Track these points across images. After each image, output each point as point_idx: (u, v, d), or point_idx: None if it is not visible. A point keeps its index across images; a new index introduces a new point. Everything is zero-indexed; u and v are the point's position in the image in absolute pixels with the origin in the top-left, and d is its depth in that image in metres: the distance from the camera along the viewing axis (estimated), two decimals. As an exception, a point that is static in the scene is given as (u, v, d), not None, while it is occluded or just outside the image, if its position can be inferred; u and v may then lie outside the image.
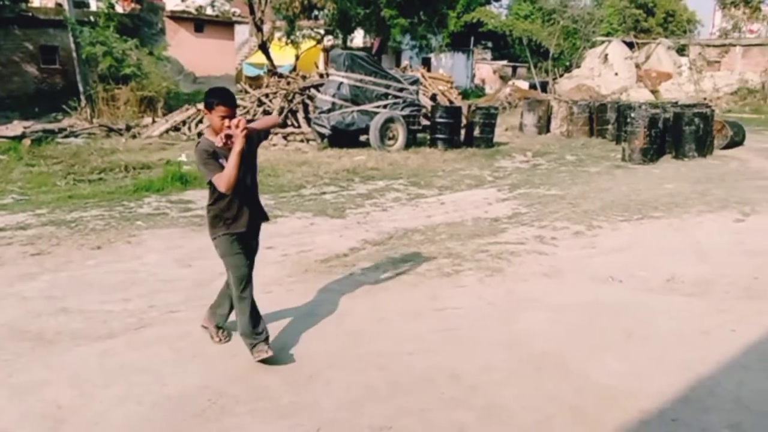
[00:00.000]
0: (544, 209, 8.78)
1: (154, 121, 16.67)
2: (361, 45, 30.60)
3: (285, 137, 14.46)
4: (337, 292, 5.44)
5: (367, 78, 13.64)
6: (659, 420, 3.52)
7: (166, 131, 15.66)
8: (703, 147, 14.13)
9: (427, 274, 5.91)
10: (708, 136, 14.34)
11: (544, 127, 17.50)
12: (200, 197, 9.08)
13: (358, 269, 6.05)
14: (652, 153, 13.36)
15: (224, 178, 3.78)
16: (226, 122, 3.75)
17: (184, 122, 15.97)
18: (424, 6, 24.47)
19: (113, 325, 4.69)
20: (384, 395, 3.76)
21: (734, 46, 30.92)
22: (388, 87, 13.91)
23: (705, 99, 25.20)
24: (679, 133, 13.94)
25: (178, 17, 30.85)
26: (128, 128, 15.89)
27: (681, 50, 33.07)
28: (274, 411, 3.57)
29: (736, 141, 15.68)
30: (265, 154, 12.89)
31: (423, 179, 10.82)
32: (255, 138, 4.02)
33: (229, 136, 3.74)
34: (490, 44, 44.16)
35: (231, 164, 3.76)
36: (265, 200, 8.86)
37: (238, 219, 4.07)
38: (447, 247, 6.76)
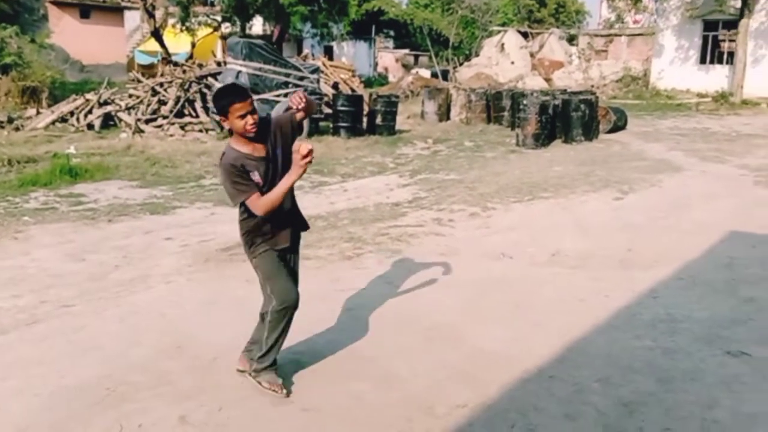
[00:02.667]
0: (442, 193, 9.13)
1: (38, 113, 15.85)
2: (260, 33, 30.16)
3: (182, 127, 14.17)
4: (239, 278, 5.51)
5: (266, 66, 13.59)
6: (538, 378, 3.86)
7: (53, 123, 14.92)
8: (590, 131, 15.03)
9: (329, 258, 6.08)
10: (593, 121, 15.26)
11: (444, 114, 18.00)
12: (92, 190, 8.83)
13: (261, 256, 6.12)
14: (544, 138, 14.07)
15: (265, 205, 3.29)
16: (249, 120, 3.24)
17: (72, 113, 15.28)
18: (324, -6, 24.58)
19: (3, 321, 4.58)
20: (287, 372, 3.90)
21: (619, 35, 32.81)
22: (288, 76, 13.92)
23: (592, 86, 26.61)
24: (567, 119, 14.75)
25: (61, 3, 29.31)
26: (10, 120, 15.01)
27: (571, 40, 34.73)
28: (176, 394, 3.63)
29: (619, 125, 16.73)
30: (161, 144, 12.61)
31: (326, 167, 10.96)
32: (290, 134, 3.48)
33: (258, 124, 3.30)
34: (392, 33, 44.71)
35: (278, 192, 3.27)
36: (162, 191, 8.86)
37: (280, 231, 3.53)
38: (349, 232, 6.95)
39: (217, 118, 3.53)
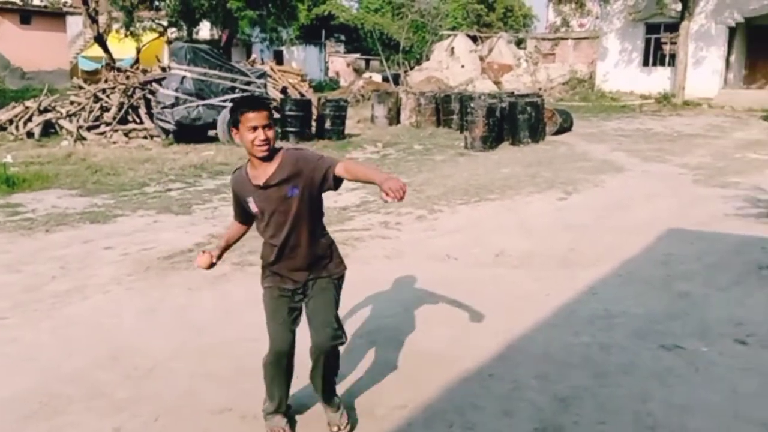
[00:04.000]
0: (389, 196, 9.15)
1: (-25, 122, 15.30)
2: (208, 37, 29.80)
3: (126, 134, 13.87)
4: (180, 286, 5.42)
5: (212, 71, 13.43)
6: (478, 377, 3.91)
7: (-10, 132, 14.43)
8: (536, 133, 15.31)
9: (272, 264, 6.02)
10: (540, 123, 15.56)
11: (394, 118, 18.09)
12: (30, 200, 8.57)
13: (204, 263, 6.03)
14: (491, 140, 14.27)
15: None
16: (260, 134, 2.85)
17: (10, 121, 14.80)
18: (272, -1, 24.40)
19: (-70, 337, 4.38)
20: (227, 380, 3.85)
21: (566, 39, 33.57)
22: (234, 80, 13.79)
23: (540, 89, 27.15)
24: (514, 121, 15.00)
25: (0, 8, 28.33)
26: (-55, 130, 14.47)
27: (519, 43, 35.36)
28: (110, 406, 3.55)
29: (565, 127, 17.11)
30: (104, 152, 12.32)
31: (273, 172, 10.87)
32: (318, 182, 2.95)
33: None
34: (342, 37, 44.70)
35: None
36: (103, 200, 8.65)
37: (287, 270, 3.13)
38: (294, 237, 6.90)
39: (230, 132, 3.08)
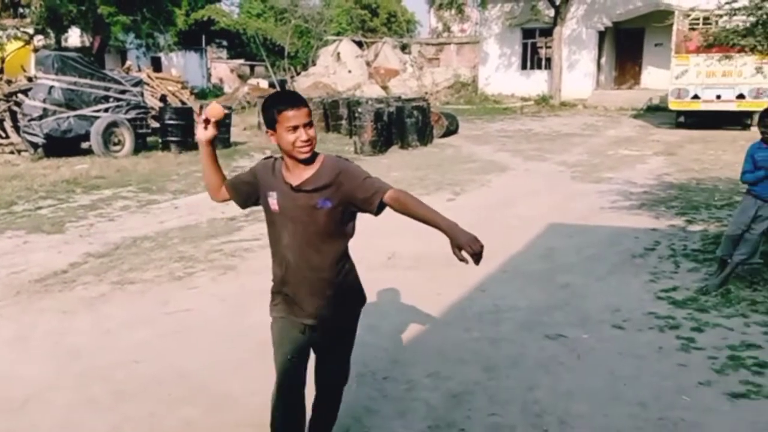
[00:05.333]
0: (279, 204, 8.99)
1: None
2: (78, 45, 28.16)
3: (-8, 150, 12.84)
4: (55, 310, 5.05)
5: (83, 80, 12.67)
6: (372, 380, 3.89)
7: None
8: (424, 137, 15.62)
9: (156, 280, 5.74)
10: (427, 126, 15.89)
11: (282, 124, 17.84)
12: None
13: (80, 285, 5.67)
14: (381, 144, 14.40)
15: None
16: (302, 134, 2.49)
17: None
18: (147, 3, 23.31)
19: None
20: (108, 405, 3.64)
21: (449, 44, 34.55)
22: (107, 89, 13.09)
23: (426, 93, 27.76)
24: (402, 125, 15.22)
25: None
26: None
27: (404, 48, 35.98)
28: (-27, 448, 3.22)
29: (451, 130, 17.57)
30: (-36, 169, 11.33)
31: (155, 184, 10.41)
32: (356, 202, 2.60)
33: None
34: (224, 43, 43.70)
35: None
36: (-37, 221, 7.91)
37: (299, 297, 2.70)
38: (179, 251, 6.63)
39: (266, 132, 2.61)
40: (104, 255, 6.54)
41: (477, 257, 2.39)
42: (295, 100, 2.53)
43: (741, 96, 16.83)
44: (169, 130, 13.78)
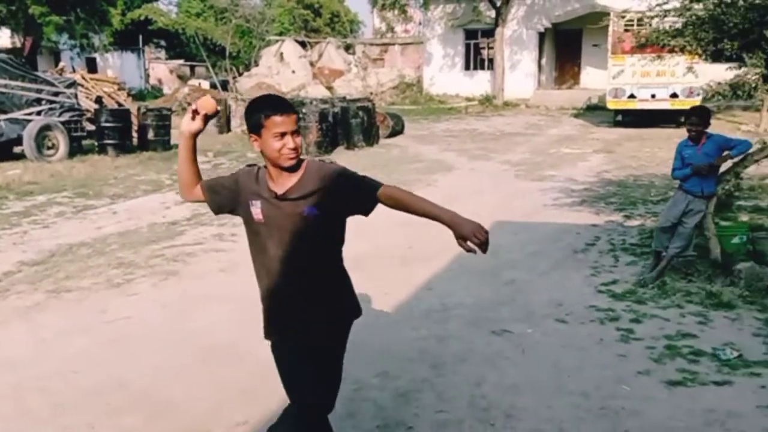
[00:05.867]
0: (223, 206, 8.84)
1: None
2: (9, 46, 27.07)
3: None
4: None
5: (13, 83, 12.16)
6: (319, 384, 3.84)
7: None
8: (370, 137, 15.63)
9: (93, 288, 5.56)
10: (373, 127, 15.91)
11: (224, 126, 17.59)
12: None
13: (14, 294, 5.45)
14: (326, 145, 14.33)
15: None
16: (289, 142, 2.36)
17: None
18: (81, 3, 22.51)
19: None
20: (46, 417, 3.52)
21: (393, 44, 34.65)
22: (40, 91, 12.61)
23: (371, 93, 27.79)
24: (347, 126, 15.19)
25: None
26: None
27: (348, 48, 35.92)
28: None
29: (397, 130, 17.64)
30: None
31: (92, 189, 10.08)
32: (346, 207, 2.49)
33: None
34: (163, 43, 42.66)
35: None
36: None
37: (284, 318, 2.56)
38: (118, 257, 6.43)
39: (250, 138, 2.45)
40: (39, 263, 6.29)
41: (484, 246, 2.27)
42: (284, 106, 2.39)
43: (674, 95, 17.46)
44: (105, 132, 13.37)
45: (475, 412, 3.47)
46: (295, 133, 2.38)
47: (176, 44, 40.81)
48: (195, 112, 2.51)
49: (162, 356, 4.24)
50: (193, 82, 30.75)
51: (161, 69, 40.65)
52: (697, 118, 5.36)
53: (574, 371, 3.90)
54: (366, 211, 2.47)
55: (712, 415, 3.35)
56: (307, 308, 2.50)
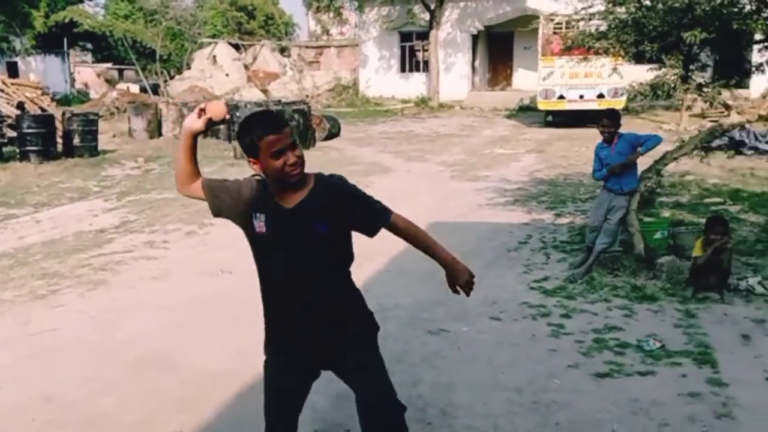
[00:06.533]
0: (155, 214, 8.63)
1: None
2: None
3: None
4: None
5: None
6: (257, 390, 3.67)
7: None
8: (306, 140, 15.52)
9: (16, 300, 5.33)
10: (309, 130, 15.81)
11: (155, 130, 17.12)
12: None
13: (-72, 309, 5.15)
14: (261, 148, 14.15)
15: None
16: (290, 157, 2.27)
17: None
18: (1, 5, 21.53)
19: None
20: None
21: (328, 47, 34.56)
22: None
23: (307, 96, 27.64)
24: (283, 128, 15.03)
25: None
26: None
27: (283, 51, 35.63)
28: None
29: (333, 133, 17.58)
30: None
31: (13, 198, 9.65)
32: (339, 229, 2.41)
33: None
34: (89, 46, 41.18)
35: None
36: None
37: (290, 332, 2.46)
38: (42, 268, 6.18)
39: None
40: (-44, 276, 5.98)
41: (469, 291, 2.47)
42: (275, 124, 2.30)
43: (601, 95, 18.06)
44: (27, 139, 12.79)
45: (413, 412, 3.48)
46: (293, 146, 2.29)
47: (104, 47, 39.41)
48: (201, 111, 2.43)
49: (91, 368, 4.10)
50: (122, 86, 29.82)
51: (88, 73, 39.19)
52: (608, 120, 5.64)
53: (508, 367, 3.99)
54: (372, 234, 2.47)
55: (637, 405, 3.49)
56: (314, 325, 2.41)
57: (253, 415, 3.52)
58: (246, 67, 33.02)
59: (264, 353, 2.53)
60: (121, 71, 38.82)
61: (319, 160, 13.80)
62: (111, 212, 8.79)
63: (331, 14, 31.69)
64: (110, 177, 11.76)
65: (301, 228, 2.33)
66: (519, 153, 14.31)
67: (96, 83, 37.21)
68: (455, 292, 2.46)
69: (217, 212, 2.53)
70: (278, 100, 19.97)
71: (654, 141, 5.62)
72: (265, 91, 30.37)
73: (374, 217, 2.44)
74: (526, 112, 23.61)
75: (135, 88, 28.29)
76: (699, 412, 3.38)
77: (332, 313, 2.42)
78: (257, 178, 2.42)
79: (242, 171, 12.35)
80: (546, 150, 14.58)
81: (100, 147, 14.22)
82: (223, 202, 2.47)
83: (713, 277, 5.17)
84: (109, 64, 39.76)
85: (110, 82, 35.30)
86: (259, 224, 2.35)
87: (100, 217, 8.52)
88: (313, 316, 2.39)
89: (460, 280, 2.44)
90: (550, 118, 19.58)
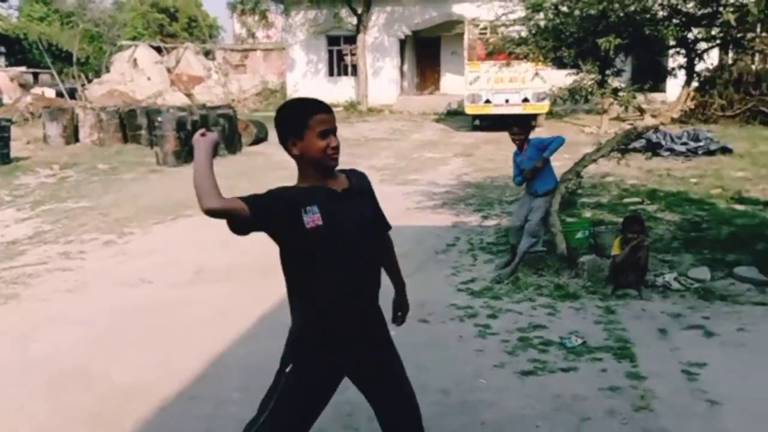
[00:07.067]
0: (71, 223, 8.26)
1: None
2: None
3: None
4: None
5: None
6: (178, 401, 3.68)
7: None
8: (232, 145, 15.25)
9: None
10: (235, 134, 15.53)
11: (71, 136, 16.40)
12: None
13: None
14: (185, 154, 13.77)
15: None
16: (333, 140, 2.25)
17: None
18: None
19: None
20: None
21: (254, 50, 34.07)
22: None
23: (233, 100, 27.17)
24: (208, 134, 14.70)
25: None
26: None
27: (208, 54, 34.91)
28: None
29: (260, 137, 17.32)
30: None
31: None
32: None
33: None
34: (2, 49, 39.16)
35: None
36: None
37: (341, 327, 2.34)
38: (-53, 282, 5.80)
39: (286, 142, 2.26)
40: None
41: (402, 323, 2.71)
42: (325, 105, 2.30)
43: (526, 100, 18.51)
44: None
45: (340, 419, 3.46)
46: (335, 132, 2.29)
47: (17, 50, 37.54)
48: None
49: (3, 386, 3.87)
50: (37, 90, 28.50)
51: (0, 77, 37.23)
52: (518, 128, 5.98)
53: (436, 369, 4.00)
54: (383, 234, 2.59)
55: (560, 400, 3.56)
56: (368, 317, 2.37)
57: (176, 427, 3.42)
58: (169, 70, 32.16)
59: (293, 360, 2.37)
60: (36, 75, 37.02)
61: (244, 165, 13.57)
62: (24, 222, 8.35)
63: (257, 17, 31.24)
64: (23, 185, 11.18)
65: (357, 209, 2.32)
66: (447, 157, 14.49)
67: (9, 88, 35.29)
68: (395, 316, 2.65)
69: (263, 223, 2.18)
70: (203, 105, 19.57)
71: (556, 143, 5.87)
72: (189, 95, 29.66)
73: (385, 218, 2.53)
74: (454, 116, 23.96)
75: (51, 93, 27.10)
76: (618, 406, 3.49)
77: (378, 309, 2.41)
78: (280, 187, 2.29)
79: (164, 176, 12.01)
80: (473, 153, 14.83)
81: (12, 154, 13.52)
82: (279, 207, 2.22)
83: (632, 274, 5.36)
84: (23, 68, 37.90)
85: (24, 87, 33.57)
86: (312, 218, 2.19)
87: (11, 227, 8.08)
88: (370, 301, 2.37)
89: (405, 308, 2.69)
90: (477, 122, 19.91)
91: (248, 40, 34.07)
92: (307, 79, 29.19)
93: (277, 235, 2.24)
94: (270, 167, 13.23)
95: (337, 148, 2.27)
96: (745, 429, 3.28)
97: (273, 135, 14.79)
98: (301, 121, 2.23)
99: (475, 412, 3.48)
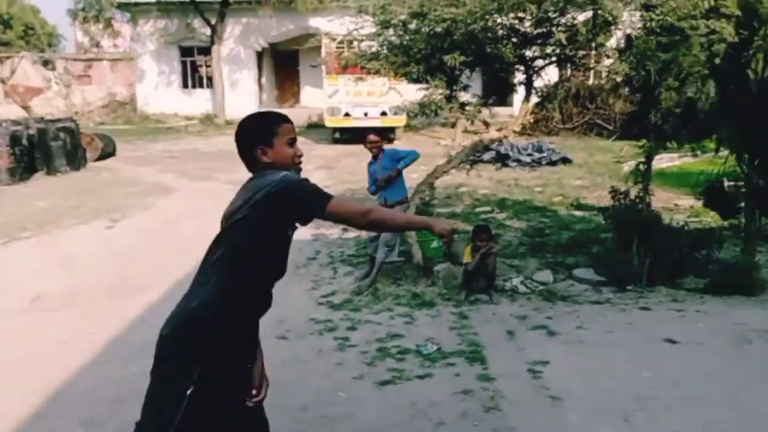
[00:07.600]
0: None
1: None
2: None
3: None
4: None
5: None
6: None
7: None
8: (75, 160, 14.25)
9: None
10: (77, 149, 14.53)
11: None
12: None
13: None
14: (21, 171, 12.74)
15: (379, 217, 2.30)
16: (298, 149, 2.38)
17: None
18: None
19: None
20: None
21: (100, 60, 32.12)
22: None
23: (77, 113, 25.45)
24: (47, 149, 13.64)
25: None
26: None
27: (47, 64, 32.47)
28: None
29: (108, 152, 16.34)
30: None
31: None
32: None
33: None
34: None
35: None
36: None
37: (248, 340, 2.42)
38: None
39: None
40: None
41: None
42: (287, 117, 2.42)
43: (384, 113, 18.93)
44: None
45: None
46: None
47: None
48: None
49: None
50: None
51: None
52: (374, 135, 6.11)
53: (294, 385, 3.95)
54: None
55: (416, 407, 3.64)
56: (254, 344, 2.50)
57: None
58: (2, 81, 29.58)
59: (198, 382, 2.08)
60: None
61: (89, 181, 12.75)
62: None
63: (101, 26, 29.52)
64: None
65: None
66: (309, 170, 14.43)
67: None
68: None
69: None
70: (41, 118, 18.14)
71: (411, 157, 6.11)
72: (26, 108, 27.39)
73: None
74: (315, 129, 23.98)
75: None
76: (470, 408, 3.63)
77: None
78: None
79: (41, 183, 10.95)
80: (335, 166, 14.93)
81: None
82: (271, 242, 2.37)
83: (482, 280, 5.63)
84: None
85: None
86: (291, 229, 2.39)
87: None
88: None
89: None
90: (337, 134, 20.08)
91: (92, 50, 32.10)
92: (160, 90, 28.02)
93: (293, 223, 2.33)
94: (118, 183, 12.54)
95: (302, 157, 2.41)
96: (584, 421, 3.53)
97: (122, 149, 14.12)
98: (271, 129, 2.34)
99: (333, 425, 3.48)
